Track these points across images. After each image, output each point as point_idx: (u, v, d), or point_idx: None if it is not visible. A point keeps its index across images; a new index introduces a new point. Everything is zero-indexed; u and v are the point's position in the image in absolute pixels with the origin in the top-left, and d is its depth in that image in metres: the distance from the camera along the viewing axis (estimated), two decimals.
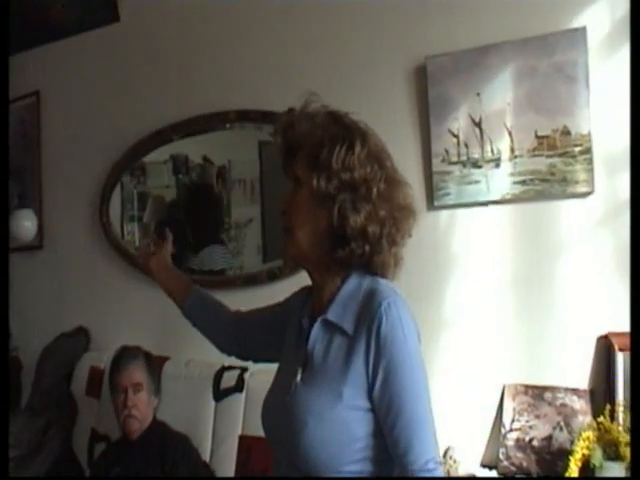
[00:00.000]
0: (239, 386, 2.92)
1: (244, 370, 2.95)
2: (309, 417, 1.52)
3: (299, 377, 1.60)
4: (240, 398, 2.91)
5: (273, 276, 3.11)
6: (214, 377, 2.98)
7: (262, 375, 2.88)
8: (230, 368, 2.99)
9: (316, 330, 1.62)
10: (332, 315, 1.60)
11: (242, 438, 2.85)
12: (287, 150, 1.71)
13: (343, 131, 1.64)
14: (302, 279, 2.98)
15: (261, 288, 3.14)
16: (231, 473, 2.82)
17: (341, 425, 1.52)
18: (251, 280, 3.17)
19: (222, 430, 2.91)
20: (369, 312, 1.53)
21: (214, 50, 3.33)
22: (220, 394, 2.95)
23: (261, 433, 2.72)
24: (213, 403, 2.96)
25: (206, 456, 2.88)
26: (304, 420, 1.52)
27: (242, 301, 3.14)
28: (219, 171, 3.42)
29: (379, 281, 1.61)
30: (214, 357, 3.04)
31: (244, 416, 2.88)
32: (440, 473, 1.50)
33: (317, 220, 1.60)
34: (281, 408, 1.61)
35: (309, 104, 1.72)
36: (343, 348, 1.56)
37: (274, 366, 2.90)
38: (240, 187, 3.35)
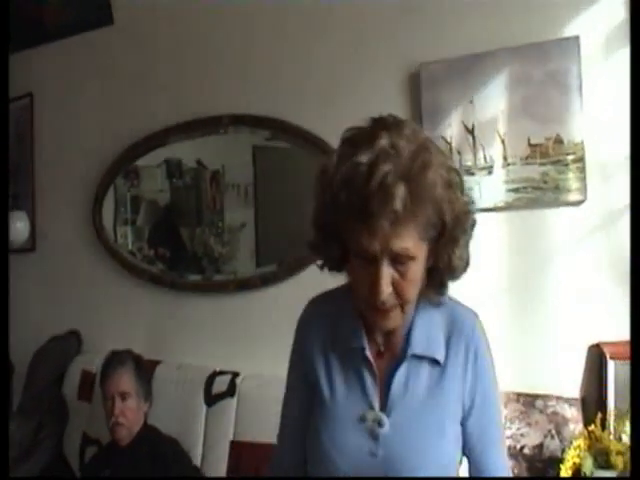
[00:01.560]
0: (231, 391, 2.88)
1: (236, 375, 2.92)
2: (414, 468, 1.39)
3: (385, 425, 1.40)
4: (232, 403, 2.86)
5: (266, 281, 3.07)
6: (206, 382, 2.94)
7: (254, 380, 2.90)
8: (222, 373, 2.95)
9: (403, 369, 1.43)
10: (419, 347, 1.43)
11: (233, 443, 2.81)
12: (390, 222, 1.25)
13: (448, 172, 1.32)
14: (295, 284, 3.01)
15: (254, 293, 3.11)
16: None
17: (446, 459, 1.45)
18: (244, 285, 3.13)
19: (213, 435, 2.87)
20: (462, 335, 1.45)
21: (208, 54, 3.29)
22: (212, 399, 2.91)
23: (252, 439, 2.77)
24: (204, 408, 2.92)
25: (197, 461, 2.84)
26: (408, 471, 1.39)
27: (235, 305, 3.14)
28: (213, 175, 3.37)
29: (449, 299, 1.50)
30: (206, 361, 3.06)
31: (235, 421, 2.84)
32: None
33: (423, 276, 1.37)
34: (370, 460, 1.40)
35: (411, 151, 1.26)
36: (434, 379, 1.43)
37: (266, 371, 2.92)
38: (234, 191, 3.30)
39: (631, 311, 1.83)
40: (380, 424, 1.41)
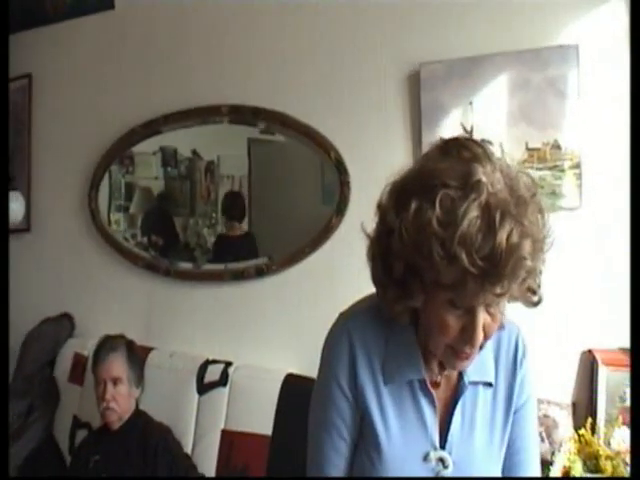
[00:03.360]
0: (223, 380, 2.79)
1: (228, 364, 2.84)
2: None
3: (449, 466, 1.27)
4: (224, 392, 2.78)
5: (261, 272, 2.97)
6: (198, 370, 2.85)
7: (246, 370, 2.82)
8: (214, 362, 2.87)
9: (461, 402, 1.30)
10: (475, 374, 1.30)
11: (224, 432, 2.73)
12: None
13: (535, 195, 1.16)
14: (289, 276, 2.93)
15: (249, 283, 3.01)
16: (212, 467, 2.70)
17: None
18: (239, 275, 3.03)
19: (204, 423, 2.78)
20: (509, 352, 1.35)
21: (209, 42, 3.16)
22: (204, 387, 2.82)
23: (243, 428, 2.70)
24: (196, 396, 2.82)
25: (188, 449, 2.75)
26: None
27: (229, 296, 3.04)
28: (207, 166, 3.26)
29: None
30: (198, 350, 2.96)
31: (227, 410, 2.75)
32: None
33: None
34: None
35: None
36: (487, 402, 1.32)
37: (259, 361, 2.84)
38: (228, 183, 3.20)
39: (631, 316, 1.73)
40: (444, 464, 1.27)
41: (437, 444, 1.28)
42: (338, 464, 1.31)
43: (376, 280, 1.25)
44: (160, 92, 3.26)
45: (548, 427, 2.38)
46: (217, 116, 3.10)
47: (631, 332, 1.69)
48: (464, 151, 1.13)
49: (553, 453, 2.27)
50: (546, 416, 2.39)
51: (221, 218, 3.19)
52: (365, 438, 1.29)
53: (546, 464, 2.25)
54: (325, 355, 1.34)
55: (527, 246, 1.07)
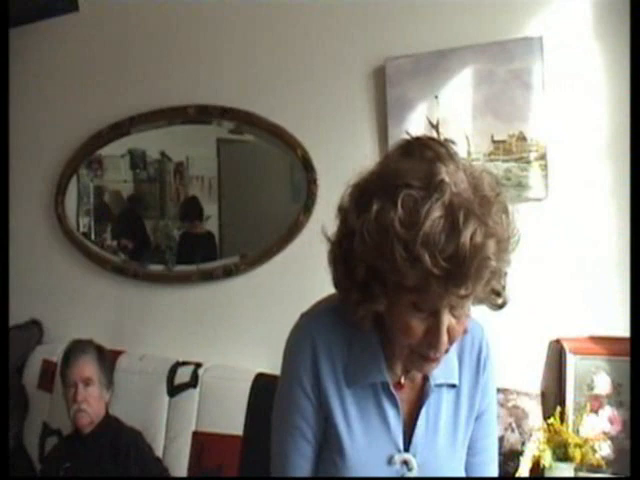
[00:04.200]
0: (193, 382, 2.76)
1: (198, 366, 2.81)
2: None
3: (414, 468, 1.24)
4: (194, 394, 2.75)
5: (229, 272, 2.95)
6: (168, 372, 2.82)
7: (216, 371, 2.79)
8: (184, 364, 2.84)
9: (426, 405, 1.28)
10: (440, 376, 1.27)
11: (195, 434, 2.70)
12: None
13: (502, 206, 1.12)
14: (258, 276, 2.90)
15: (218, 284, 2.98)
16: (184, 469, 2.67)
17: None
18: (207, 276, 3.01)
19: (175, 426, 2.75)
20: (472, 352, 1.32)
21: (174, 43, 3.12)
22: (174, 389, 2.79)
23: (215, 429, 2.67)
24: (167, 398, 2.79)
25: (159, 452, 2.72)
26: None
27: (198, 297, 3.01)
28: (177, 167, 3.23)
29: None
30: (169, 352, 2.93)
31: (198, 412, 2.72)
32: None
33: None
34: None
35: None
36: (451, 404, 1.30)
37: (229, 362, 2.81)
38: (198, 184, 3.17)
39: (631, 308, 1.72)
40: (409, 467, 1.24)
41: (401, 447, 1.25)
42: (303, 467, 1.28)
43: (338, 284, 1.21)
44: (126, 94, 3.22)
45: (518, 417, 2.37)
46: (184, 117, 3.07)
47: (631, 333, 1.69)
48: (427, 151, 1.10)
49: (523, 443, 2.27)
50: (515, 407, 2.38)
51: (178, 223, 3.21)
52: (329, 441, 1.26)
53: (516, 454, 2.25)
54: (287, 356, 1.30)
55: (491, 246, 1.03)
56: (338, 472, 1.24)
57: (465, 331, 1.19)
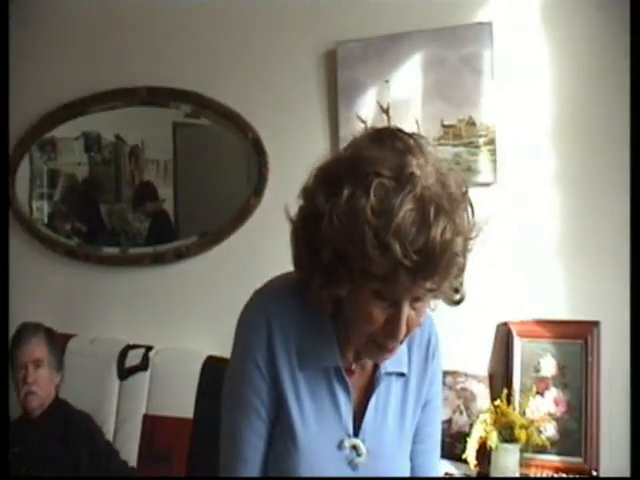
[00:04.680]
0: (144, 365, 2.75)
1: (149, 349, 2.79)
2: None
3: (363, 453, 1.23)
4: (145, 377, 2.73)
5: (180, 254, 2.93)
6: (119, 355, 2.80)
7: (167, 353, 2.78)
8: (135, 347, 2.82)
9: (376, 393, 1.26)
10: (390, 365, 1.26)
11: (146, 417, 2.69)
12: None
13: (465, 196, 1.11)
14: (209, 259, 2.88)
15: (169, 267, 2.97)
16: (134, 452, 2.65)
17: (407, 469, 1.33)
18: (159, 259, 2.98)
19: (126, 409, 2.73)
20: (421, 341, 1.31)
21: (126, 23, 3.06)
22: (125, 372, 2.77)
23: (165, 412, 2.65)
24: (117, 382, 2.77)
25: (110, 435, 2.70)
26: None
27: (149, 280, 2.98)
28: (132, 150, 3.18)
29: None
30: (120, 335, 2.90)
31: (148, 395, 2.71)
32: None
33: None
34: None
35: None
36: (400, 392, 1.30)
37: (180, 345, 2.79)
38: (153, 167, 3.14)
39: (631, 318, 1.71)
40: (358, 452, 1.23)
41: (351, 432, 1.24)
42: (256, 446, 1.24)
43: (301, 266, 1.18)
44: (78, 74, 3.15)
45: (466, 399, 2.39)
46: (135, 98, 3.02)
47: (631, 334, 1.70)
48: (397, 142, 1.08)
49: (471, 425, 2.28)
50: (464, 389, 2.40)
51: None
52: (281, 424, 1.23)
53: (464, 435, 2.26)
54: (240, 334, 1.25)
55: (459, 243, 1.03)
56: (289, 454, 1.21)
57: (421, 323, 1.18)
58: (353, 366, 1.26)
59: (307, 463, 1.20)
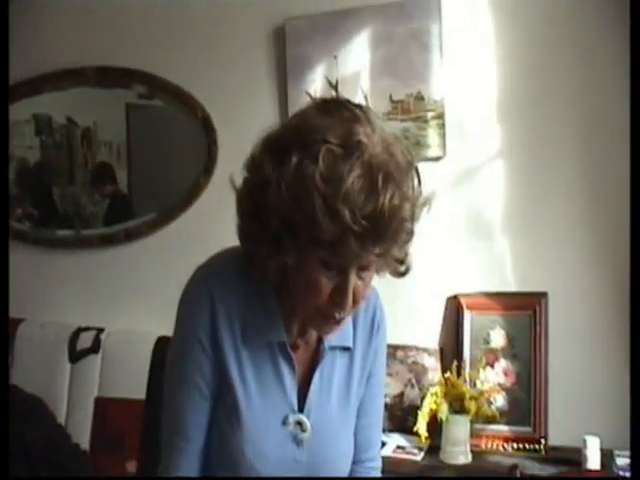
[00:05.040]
0: (95, 347, 2.72)
1: (100, 331, 2.76)
2: (333, 472, 1.26)
3: (307, 429, 1.22)
4: (96, 359, 2.71)
5: (130, 235, 2.91)
6: (70, 338, 2.76)
7: (118, 335, 2.75)
8: (86, 329, 2.78)
9: (320, 367, 1.25)
10: (334, 339, 1.24)
11: (98, 399, 2.67)
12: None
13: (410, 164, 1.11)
14: (160, 237, 2.84)
15: (119, 248, 2.94)
16: (87, 435, 2.63)
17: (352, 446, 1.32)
18: (109, 240, 2.95)
19: (78, 392, 2.70)
20: (366, 315, 1.30)
21: (76, 2, 2.98)
22: (76, 355, 2.73)
23: (117, 394, 2.62)
24: (68, 365, 2.74)
25: (62, 419, 2.67)
26: (332, 471, 1.26)
27: (99, 262, 2.95)
28: (84, 133, 3.12)
29: None
30: (71, 319, 2.85)
31: (100, 377, 2.69)
32: None
33: None
34: (294, 468, 1.22)
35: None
36: (345, 366, 1.29)
37: (131, 326, 2.76)
38: (106, 150, 3.08)
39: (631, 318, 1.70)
40: (303, 428, 1.22)
41: (296, 408, 1.23)
42: (199, 423, 1.22)
43: (246, 237, 1.16)
44: (22, 54, 3.05)
45: (417, 373, 2.40)
46: (86, 78, 2.97)
47: (631, 334, 1.69)
48: (345, 111, 1.08)
49: (423, 398, 2.28)
50: (415, 363, 2.41)
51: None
52: (224, 400, 1.22)
53: (416, 409, 2.27)
54: (183, 309, 1.23)
55: (407, 209, 1.03)
56: (233, 431, 1.20)
57: (367, 296, 1.18)
58: (298, 341, 1.25)
59: (251, 440, 1.19)
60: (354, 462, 1.32)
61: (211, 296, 1.18)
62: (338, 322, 1.15)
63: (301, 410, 1.23)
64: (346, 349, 1.28)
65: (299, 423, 1.22)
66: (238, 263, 1.20)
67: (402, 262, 1.17)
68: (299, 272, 1.12)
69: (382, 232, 1.02)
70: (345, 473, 1.29)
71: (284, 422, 1.21)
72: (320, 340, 1.25)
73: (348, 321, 1.26)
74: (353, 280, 1.08)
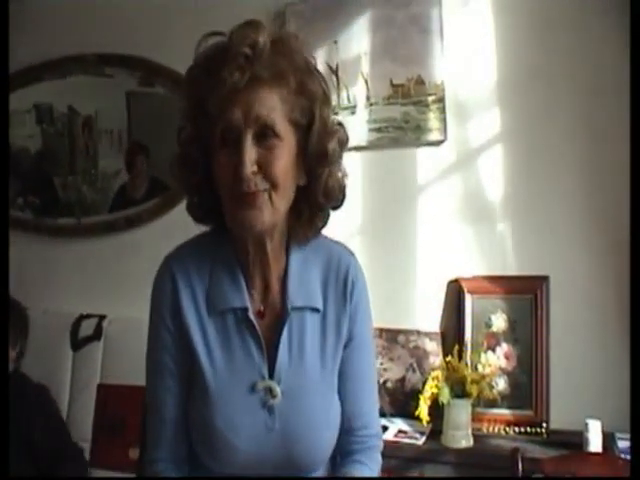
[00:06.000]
0: (97, 334, 2.73)
1: (102, 318, 2.76)
2: (310, 440, 1.23)
3: (277, 394, 1.21)
4: (98, 346, 2.71)
5: (131, 222, 2.91)
6: (72, 326, 2.77)
7: (119, 323, 2.76)
8: (88, 316, 2.79)
9: (286, 329, 1.24)
10: (298, 299, 1.24)
11: (100, 386, 2.67)
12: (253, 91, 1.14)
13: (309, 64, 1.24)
14: (161, 226, 2.83)
15: (120, 235, 2.94)
16: (90, 422, 2.64)
17: (335, 413, 1.28)
18: (110, 227, 2.95)
19: (80, 379, 2.71)
20: (338, 276, 1.29)
21: None
22: (78, 343, 2.74)
23: (119, 381, 2.61)
24: (71, 352, 2.74)
25: (64, 406, 2.67)
26: (306, 444, 1.23)
27: (102, 249, 2.94)
28: (85, 121, 3.11)
29: (325, 239, 1.33)
30: (73, 306, 2.84)
31: (102, 364, 2.69)
32: None
33: (294, 181, 1.21)
34: (267, 435, 1.20)
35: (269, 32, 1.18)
36: (316, 328, 1.26)
37: (133, 314, 2.74)
38: (107, 138, 3.07)
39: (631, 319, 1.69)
40: (272, 394, 1.21)
41: (265, 374, 1.22)
42: (174, 403, 1.24)
43: (189, 191, 1.27)
44: (24, 42, 3.04)
45: (419, 357, 2.39)
46: (85, 66, 2.96)
47: (632, 317, 1.68)
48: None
49: (425, 382, 2.27)
50: (417, 347, 2.40)
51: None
52: (193, 374, 1.24)
53: (418, 393, 2.25)
54: (152, 298, 1.29)
55: (262, 39, 1.14)
56: (204, 405, 1.20)
57: (325, 241, 1.31)
58: (261, 307, 1.26)
59: (221, 411, 1.20)
60: (346, 432, 1.29)
61: (172, 277, 1.24)
62: (250, 203, 1.14)
63: (271, 376, 1.22)
64: (315, 310, 1.26)
65: (269, 389, 1.21)
66: (202, 239, 1.29)
67: (300, 125, 1.18)
68: (214, 171, 1.17)
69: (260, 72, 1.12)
70: (326, 441, 1.26)
71: (253, 389, 1.21)
72: (284, 303, 1.25)
73: (314, 280, 1.27)
74: (248, 145, 1.12)
